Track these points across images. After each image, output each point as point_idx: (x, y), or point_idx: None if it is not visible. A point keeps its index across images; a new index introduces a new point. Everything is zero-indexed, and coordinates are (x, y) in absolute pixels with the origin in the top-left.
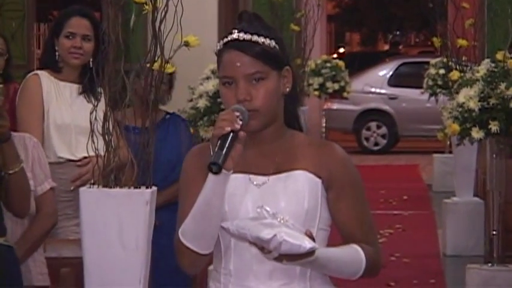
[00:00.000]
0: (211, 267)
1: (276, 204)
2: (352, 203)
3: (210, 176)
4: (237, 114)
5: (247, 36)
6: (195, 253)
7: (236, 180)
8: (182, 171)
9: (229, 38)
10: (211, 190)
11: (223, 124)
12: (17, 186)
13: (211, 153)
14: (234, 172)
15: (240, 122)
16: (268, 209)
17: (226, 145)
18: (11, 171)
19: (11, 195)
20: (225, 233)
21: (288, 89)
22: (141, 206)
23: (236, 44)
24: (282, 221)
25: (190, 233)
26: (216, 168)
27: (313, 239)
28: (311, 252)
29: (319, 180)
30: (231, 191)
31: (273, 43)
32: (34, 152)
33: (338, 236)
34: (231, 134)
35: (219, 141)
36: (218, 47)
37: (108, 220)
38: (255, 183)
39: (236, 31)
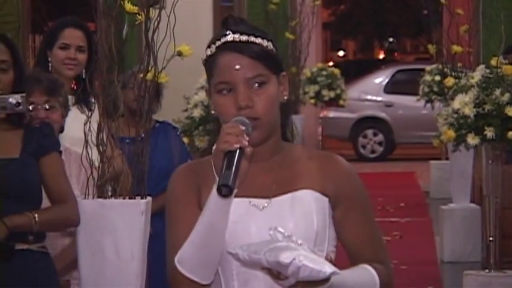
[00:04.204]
0: None
1: (283, 229)
2: (360, 220)
3: (214, 198)
4: (243, 128)
5: (244, 37)
6: (196, 284)
7: (235, 206)
8: (170, 192)
9: (223, 41)
10: (215, 213)
11: (230, 139)
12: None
13: (214, 169)
14: None
15: (247, 138)
16: (282, 230)
17: (235, 163)
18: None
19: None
20: (225, 263)
21: (285, 97)
22: (137, 216)
23: (232, 45)
24: (297, 244)
25: (190, 262)
26: (226, 190)
27: (332, 263)
28: (327, 279)
29: (326, 199)
30: (231, 219)
31: (270, 45)
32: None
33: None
34: (238, 150)
35: (225, 159)
36: (209, 52)
37: (103, 230)
38: (256, 206)
39: (230, 32)
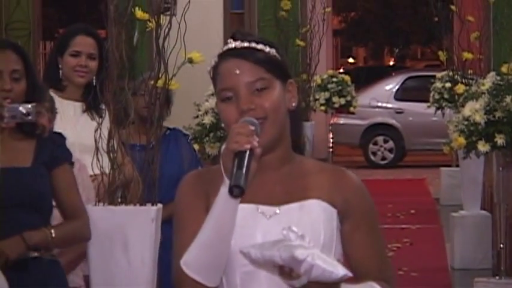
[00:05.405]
0: None
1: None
2: (368, 235)
3: (223, 198)
4: (252, 128)
5: (245, 44)
6: (201, 286)
7: (242, 211)
8: (178, 199)
9: (224, 49)
10: (223, 214)
11: (240, 139)
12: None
13: (223, 169)
14: (240, 202)
15: (257, 138)
16: (295, 229)
17: (245, 164)
18: None
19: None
20: (229, 267)
21: (293, 104)
22: (147, 223)
23: (233, 52)
24: (310, 245)
25: (196, 263)
26: (238, 191)
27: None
28: (337, 284)
29: (334, 210)
30: (237, 223)
31: (273, 51)
32: (79, 175)
33: None
34: (248, 151)
35: (236, 160)
36: (213, 63)
37: (114, 237)
38: (264, 214)
39: (232, 40)
